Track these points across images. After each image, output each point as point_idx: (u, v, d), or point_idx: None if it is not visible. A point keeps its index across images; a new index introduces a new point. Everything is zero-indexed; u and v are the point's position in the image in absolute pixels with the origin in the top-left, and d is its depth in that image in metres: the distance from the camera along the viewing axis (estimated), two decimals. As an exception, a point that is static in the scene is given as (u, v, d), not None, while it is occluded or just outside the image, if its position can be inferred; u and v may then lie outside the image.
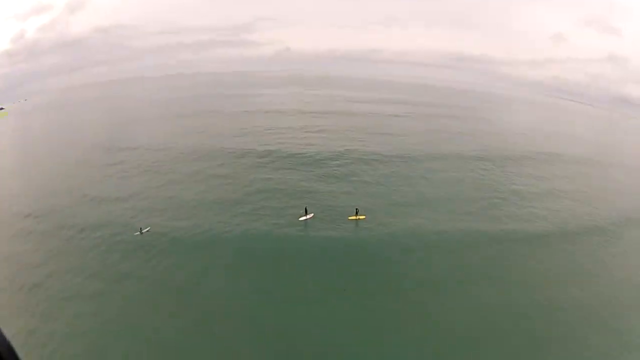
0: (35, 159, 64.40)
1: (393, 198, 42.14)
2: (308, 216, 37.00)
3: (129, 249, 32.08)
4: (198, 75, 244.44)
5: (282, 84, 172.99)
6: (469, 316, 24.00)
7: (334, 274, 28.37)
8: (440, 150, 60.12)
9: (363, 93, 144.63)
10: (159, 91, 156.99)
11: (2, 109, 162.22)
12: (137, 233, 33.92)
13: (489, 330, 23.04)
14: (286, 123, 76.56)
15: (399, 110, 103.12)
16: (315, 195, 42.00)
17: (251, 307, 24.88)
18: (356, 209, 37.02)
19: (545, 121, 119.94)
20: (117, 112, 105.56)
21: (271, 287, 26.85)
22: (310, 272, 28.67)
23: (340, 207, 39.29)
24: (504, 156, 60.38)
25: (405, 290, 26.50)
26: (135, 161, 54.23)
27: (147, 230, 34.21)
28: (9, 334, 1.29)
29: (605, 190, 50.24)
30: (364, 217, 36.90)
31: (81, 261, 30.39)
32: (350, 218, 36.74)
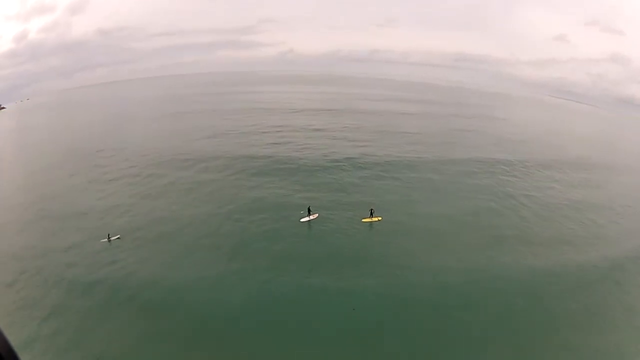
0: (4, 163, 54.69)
1: (414, 199, 35.26)
2: (312, 217, 30.23)
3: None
4: (199, 76, 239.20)
5: (286, 82, 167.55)
6: None
7: (341, 288, 21.61)
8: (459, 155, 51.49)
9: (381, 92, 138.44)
10: (156, 92, 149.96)
11: (3, 108, 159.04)
12: (104, 240, 27.59)
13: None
14: (289, 121, 69.66)
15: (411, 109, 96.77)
16: (322, 195, 35.19)
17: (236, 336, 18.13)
18: (371, 209, 30.20)
19: (558, 122, 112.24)
20: (109, 114, 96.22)
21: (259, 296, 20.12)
22: (309, 286, 21.88)
23: (349, 206, 32.56)
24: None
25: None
26: (110, 167, 45.65)
27: (117, 238, 27.78)
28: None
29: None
30: (379, 218, 30.11)
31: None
32: (364, 220, 29.93)
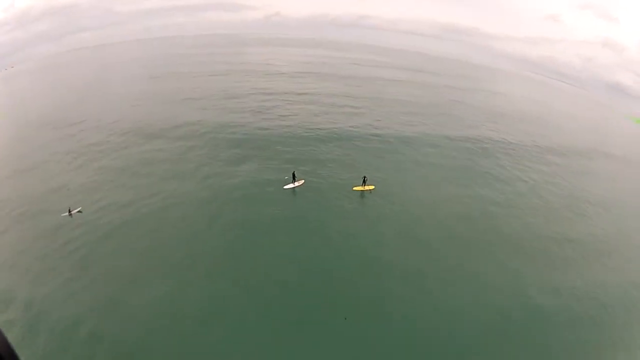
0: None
1: (408, 173, 32.32)
2: (297, 183, 26.88)
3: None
4: (187, 39, 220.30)
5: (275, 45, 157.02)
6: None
7: (327, 275, 18.84)
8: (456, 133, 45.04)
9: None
10: (138, 54, 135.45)
11: None
12: (64, 214, 23.68)
13: None
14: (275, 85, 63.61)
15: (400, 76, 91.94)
16: (310, 162, 31.64)
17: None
18: (364, 177, 27.09)
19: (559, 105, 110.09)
20: (87, 79, 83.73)
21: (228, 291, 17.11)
22: (291, 266, 18.97)
23: (339, 173, 29.34)
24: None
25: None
26: (81, 139, 37.92)
27: (78, 211, 23.61)
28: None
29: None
30: (372, 187, 27.14)
31: None
32: (355, 188, 26.87)
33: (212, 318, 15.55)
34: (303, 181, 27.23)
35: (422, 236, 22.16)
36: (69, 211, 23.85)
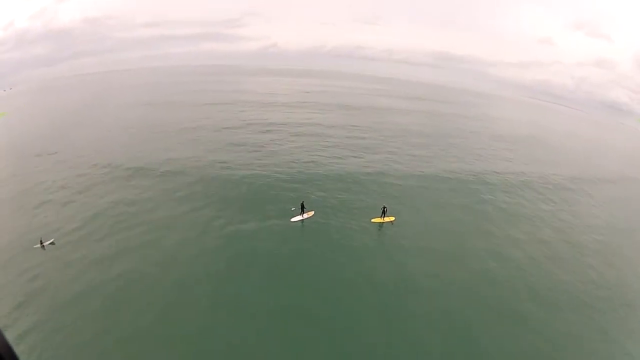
0: None
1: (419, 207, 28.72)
2: (306, 215, 23.22)
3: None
4: (183, 68, 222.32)
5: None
6: None
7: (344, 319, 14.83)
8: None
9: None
10: (135, 85, 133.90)
11: None
12: (36, 246, 20.48)
13: None
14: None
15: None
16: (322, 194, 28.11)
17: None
18: (383, 207, 23.50)
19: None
20: (77, 107, 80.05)
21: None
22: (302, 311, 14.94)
23: (355, 203, 25.76)
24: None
25: None
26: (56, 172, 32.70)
27: (51, 243, 20.18)
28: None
29: None
30: (392, 218, 23.52)
31: None
32: (374, 220, 23.22)
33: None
34: (313, 212, 23.58)
35: (462, 279, 18.28)
36: (41, 242, 20.56)
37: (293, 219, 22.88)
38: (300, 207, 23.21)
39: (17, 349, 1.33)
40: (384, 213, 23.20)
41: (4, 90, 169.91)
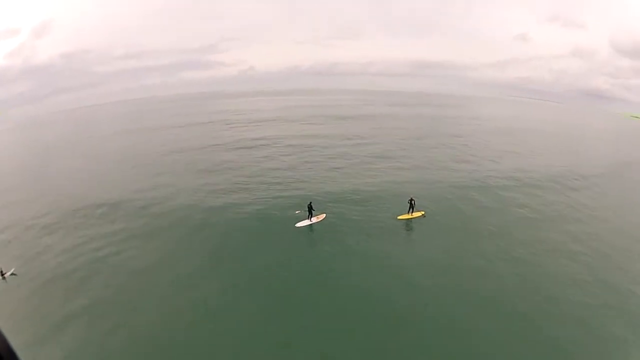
0: None
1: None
2: (315, 219, 18.48)
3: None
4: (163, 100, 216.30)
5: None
6: None
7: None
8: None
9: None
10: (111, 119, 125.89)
11: None
12: None
13: None
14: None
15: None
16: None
17: None
18: (410, 199, 18.97)
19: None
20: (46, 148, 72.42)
21: None
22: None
23: (374, 202, 21.17)
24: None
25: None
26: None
27: (12, 274, 15.19)
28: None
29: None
30: (422, 213, 19.04)
31: None
32: (401, 217, 18.66)
33: None
34: (324, 215, 18.87)
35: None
36: (1, 273, 15.77)
37: (299, 224, 18.12)
38: (307, 209, 18.48)
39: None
40: (411, 207, 18.70)
41: None
